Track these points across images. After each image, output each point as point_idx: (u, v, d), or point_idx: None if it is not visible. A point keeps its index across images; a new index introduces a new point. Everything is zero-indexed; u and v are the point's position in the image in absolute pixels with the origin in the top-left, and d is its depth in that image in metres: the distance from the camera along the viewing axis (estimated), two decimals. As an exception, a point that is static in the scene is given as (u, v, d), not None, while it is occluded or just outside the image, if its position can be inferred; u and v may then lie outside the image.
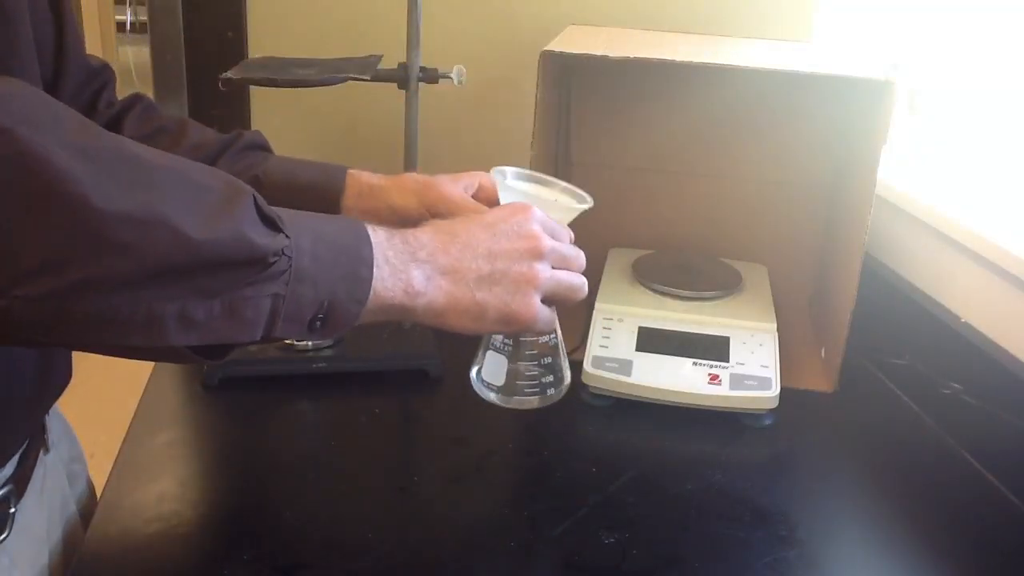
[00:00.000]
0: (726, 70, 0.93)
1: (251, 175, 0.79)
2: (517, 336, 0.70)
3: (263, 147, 0.86)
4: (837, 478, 0.90)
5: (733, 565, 0.75)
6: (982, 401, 0.93)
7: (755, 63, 0.95)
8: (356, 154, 1.31)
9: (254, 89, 1.27)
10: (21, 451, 0.73)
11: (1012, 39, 1.06)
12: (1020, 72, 1.05)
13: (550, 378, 0.71)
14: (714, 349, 0.97)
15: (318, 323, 0.54)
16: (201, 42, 1.25)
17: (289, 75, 0.95)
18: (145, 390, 0.96)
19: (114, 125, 0.79)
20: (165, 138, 0.80)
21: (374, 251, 0.56)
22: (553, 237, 0.64)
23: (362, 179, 0.82)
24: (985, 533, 0.82)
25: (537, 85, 0.95)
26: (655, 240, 1.21)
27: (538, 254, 0.62)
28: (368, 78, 0.96)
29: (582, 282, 0.66)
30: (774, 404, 0.94)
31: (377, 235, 0.57)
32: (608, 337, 0.99)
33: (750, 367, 0.95)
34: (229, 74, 0.95)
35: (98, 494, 0.84)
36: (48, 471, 0.80)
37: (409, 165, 1.01)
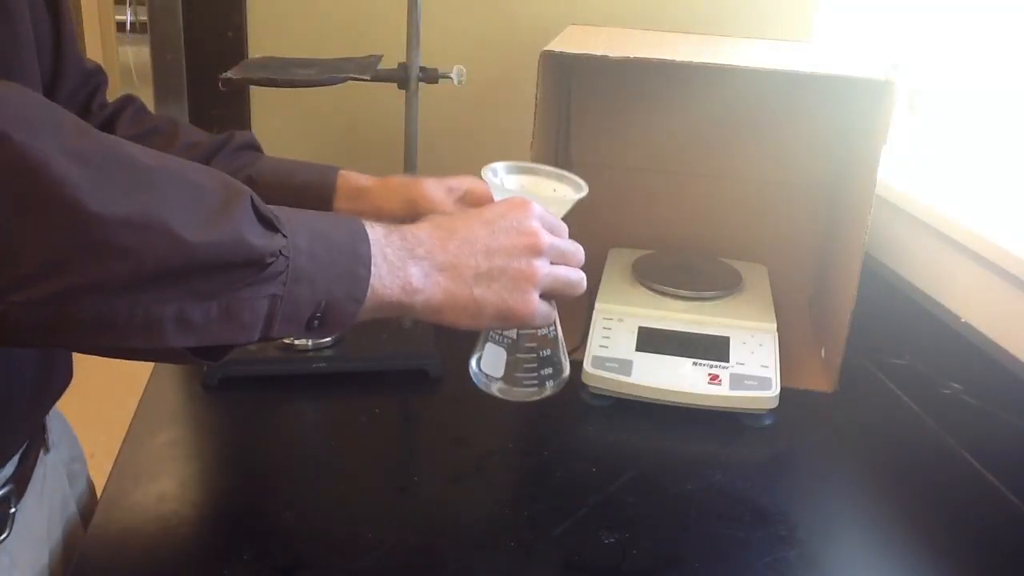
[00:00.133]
0: (726, 70, 0.93)
1: (244, 176, 0.79)
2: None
3: (255, 147, 0.86)
4: (837, 478, 0.90)
5: (733, 565, 0.75)
6: (982, 401, 0.93)
7: (755, 63, 0.95)
8: (356, 154, 1.31)
9: (254, 89, 1.27)
10: (21, 451, 0.73)
11: (1012, 39, 1.06)
12: (1020, 72, 1.05)
13: (549, 370, 0.71)
14: (714, 349, 0.97)
15: (316, 322, 0.54)
16: (201, 42, 1.25)
17: (289, 75, 0.95)
18: (145, 390, 0.97)
19: (107, 127, 0.79)
20: (158, 139, 0.80)
21: (372, 249, 0.56)
22: (552, 232, 0.64)
23: (351, 181, 0.82)
24: (985, 533, 0.82)
25: (537, 85, 0.95)
26: (655, 240, 1.21)
27: (537, 250, 0.62)
28: (368, 78, 0.96)
29: (580, 277, 0.66)
30: (774, 404, 0.94)
31: (375, 232, 0.57)
32: (608, 337, 0.99)
33: (750, 367, 0.95)
34: (229, 74, 0.95)
35: (98, 494, 0.84)
36: (48, 471, 0.80)
37: (409, 165, 1.01)
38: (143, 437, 0.88)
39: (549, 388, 0.72)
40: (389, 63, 1.00)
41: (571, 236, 0.72)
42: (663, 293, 1.05)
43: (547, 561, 0.74)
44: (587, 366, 0.96)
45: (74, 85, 0.76)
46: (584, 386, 0.97)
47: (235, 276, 0.49)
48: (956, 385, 0.96)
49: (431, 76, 0.99)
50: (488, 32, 1.25)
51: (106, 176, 0.46)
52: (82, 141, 0.46)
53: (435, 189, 0.78)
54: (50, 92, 0.71)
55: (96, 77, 0.81)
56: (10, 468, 0.72)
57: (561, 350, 0.72)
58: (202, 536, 0.76)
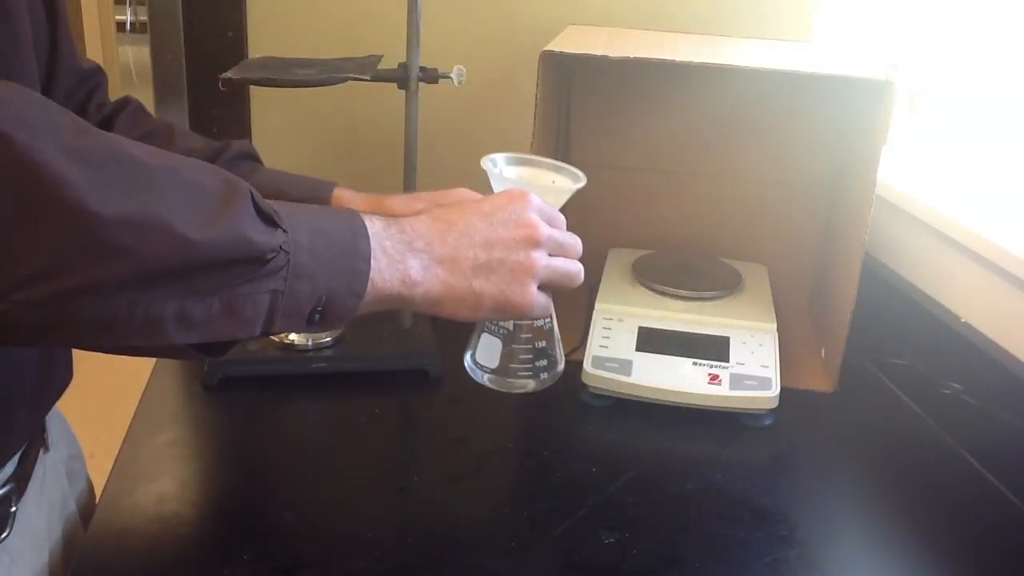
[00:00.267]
0: (726, 70, 0.93)
1: None
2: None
3: (252, 157, 0.86)
4: (837, 478, 0.90)
5: (733, 565, 0.75)
6: (982, 401, 0.93)
7: (755, 63, 0.95)
8: (356, 154, 1.31)
9: (254, 89, 1.27)
10: (21, 450, 0.73)
11: (1012, 39, 1.06)
12: (1020, 72, 1.05)
13: (544, 362, 0.71)
14: (714, 349, 0.97)
15: (317, 316, 0.55)
16: (201, 42, 1.25)
17: (289, 75, 0.95)
18: (145, 390, 0.97)
19: (104, 128, 0.79)
20: (154, 143, 0.80)
21: (371, 242, 0.56)
22: (550, 224, 0.64)
23: (344, 201, 0.81)
24: (985, 533, 0.82)
25: (537, 85, 0.95)
26: (655, 240, 1.21)
27: (535, 242, 0.62)
28: (368, 78, 0.96)
29: (578, 269, 0.66)
30: (774, 404, 0.94)
31: (374, 226, 0.58)
32: (608, 337, 0.99)
33: (750, 367, 0.95)
34: (229, 74, 0.95)
35: (98, 494, 0.84)
36: (48, 470, 0.80)
37: (409, 165, 1.01)
38: (143, 437, 0.88)
39: (543, 380, 0.72)
40: (389, 63, 1.00)
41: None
42: (663, 293, 1.05)
43: (547, 561, 0.74)
44: (587, 366, 0.96)
45: (70, 85, 0.76)
46: (584, 386, 0.97)
47: (236, 272, 0.50)
48: (956, 385, 0.96)
49: (431, 76, 0.99)
50: (488, 32, 1.25)
51: (106, 176, 0.46)
52: (82, 140, 0.46)
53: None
54: (46, 92, 0.71)
55: (95, 77, 0.81)
56: (10, 467, 0.72)
57: (556, 342, 0.72)
58: (202, 536, 0.76)
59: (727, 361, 0.96)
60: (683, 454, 0.92)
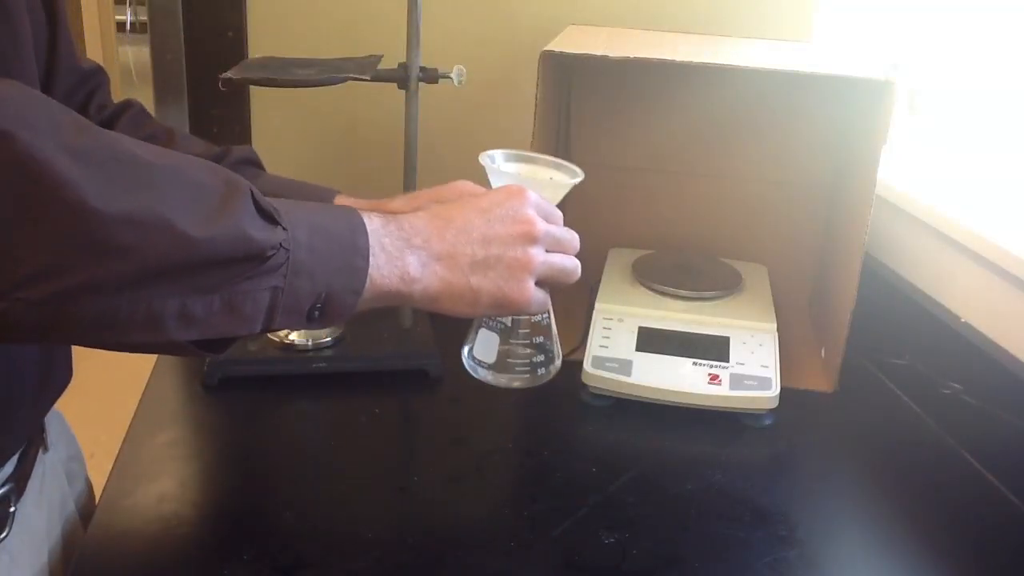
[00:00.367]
0: (726, 70, 0.93)
1: None
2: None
3: (254, 163, 0.86)
4: (837, 478, 0.90)
5: (733, 565, 0.75)
6: (982, 401, 0.93)
7: (755, 63, 0.95)
8: (356, 154, 1.31)
9: (254, 89, 1.27)
10: (21, 450, 0.73)
11: (1012, 39, 1.06)
12: (1020, 72, 1.05)
13: (541, 358, 0.71)
14: (714, 349, 0.97)
15: (316, 313, 0.55)
16: (201, 42, 1.25)
17: (289, 75, 0.95)
18: (145, 390, 0.97)
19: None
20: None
21: (370, 239, 0.57)
22: (547, 220, 0.64)
23: None
24: (985, 533, 0.82)
25: (537, 85, 0.95)
26: (655, 240, 1.21)
27: (532, 238, 0.62)
28: (368, 78, 0.95)
29: (575, 265, 0.66)
30: (774, 404, 0.94)
31: (373, 223, 0.58)
32: (608, 337, 0.99)
33: (750, 367, 0.95)
34: (229, 74, 0.95)
35: (98, 494, 0.84)
36: (47, 470, 0.80)
37: (409, 165, 1.01)
38: (143, 437, 0.88)
39: (540, 376, 0.72)
40: (389, 63, 1.00)
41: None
42: (663, 293, 1.05)
43: (547, 561, 0.74)
44: (587, 366, 0.96)
45: (70, 85, 0.76)
46: (584, 386, 0.97)
47: (236, 270, 0.50)
48: (956, 385, 0.96)
49: (431, 76, 0.99)
50: (488, 32, 1.25)
51: (107, 174, 0.46)
52: (83, 139, 0.46)
53: None
54: (45, 91, 0.71)
55: (95, 78, 0.81)
56: (9, 467, 0.72)
57: (554, 338, 0.72)
58: (202, 536, 0.76)
59: (727, 361, 0.96)
60: (683, 454, 0.92)
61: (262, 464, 0.88)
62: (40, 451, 0.79)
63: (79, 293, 0.45)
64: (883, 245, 1.13)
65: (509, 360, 0.70)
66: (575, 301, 1.07)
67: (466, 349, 0.72)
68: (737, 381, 0.94)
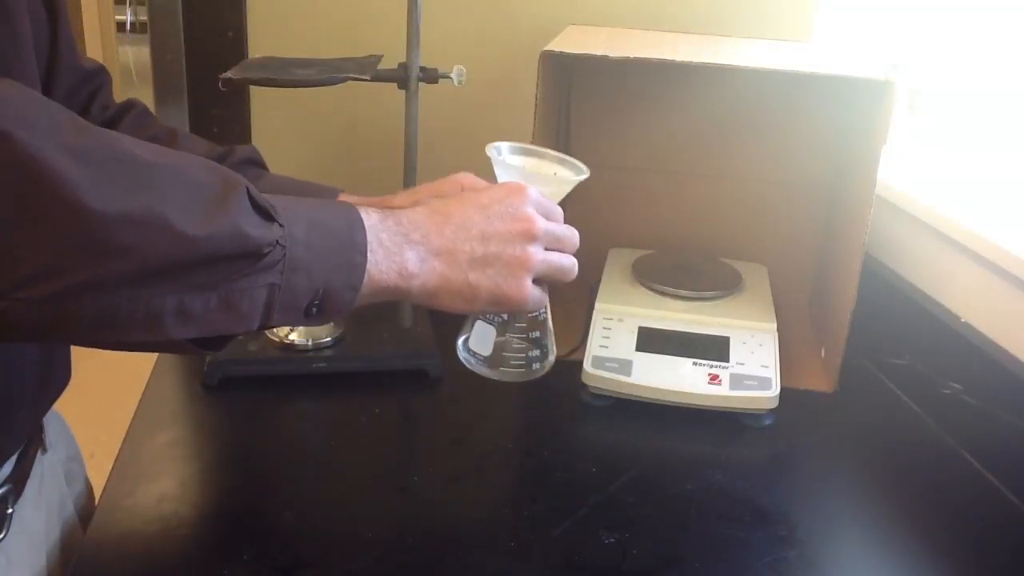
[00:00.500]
0: (726, 70, 0.93)
1: None
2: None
3: (257, 163, 0.86)
4: (837, 478, 0.90)
5: (733, 565, 0.75)
6: (982, 401, 0.93)
7: (755, 63, 0.95)
8: (356, 154, 1.31)
9: (254, 89, 1.27)
10: (19, 451, 0.73)
11: (1012, 39, 1.06)
12: (1020, 72, 1.05)
13: (536, 352, 0.71)
14: (714, 349, 0.97)
15: (314, 309, 0.55)
16: (201, 42, 1.25)
17: (289, 75, 0.95)
18: (145, 390, 0.96)
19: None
20: None
21: (368, 235, 0.57)
22: (547, 217, 0.64)
23: None
24: (985, 533, 0.82)
25: (537, 85, 0.95)
26: (655, 240, 1.21)
27: (532, 236, 0.62)
28: (368, 78, 0.95)
29: (573, 263, 0.66)
30: (774, 404, 0.94)
31: (370, 218, 0.58)
32: (608, 337, 0.99)
33: (750, 367, 0.95)
34: (229, 74, 0.95)
35: (98, 494, 0.84)
36: (46, 471, 0.80)
37: (409, 165, 1.01)
38: (143, 437, 0.88)
39: (535, 371, 0.72)
40: (389, 63, 1.00)
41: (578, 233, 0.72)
42: (663, 293, 1.05)
43: (547, 561, 0.74)
44: (587, 366, 0.96)
45: (71, 84, 0.76)
46: (584, 386, 0.97)
47: (234, 267, 0.50)
48: (956, 385, 0.96)
49: (431, 76, 0.99)
50: (488, 32, 1.25)
51: (106, 174, 0.46)
52: (82, 139, 0.46)
53: None
54: (46, 91, 0.71)
55: (98, 78, 0.81)
56: (8, 468, 0.72)
57: (549, 334, 0.72)
58: (202, 536, 0.76)
59: (727, 361, 0.96)
60: (683, 454, 0.92)
61: (262, 464, 0.88)
62: (39, 452, 0.78)
63: (79, 292, 0.46)
64: (883, 245, 1.13)
65: (504, 354, 0.71)
66: (575, 301, 1.07)
67: (461, 340, 0.72)
68: (737, 381, 0.94)
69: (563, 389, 0.98)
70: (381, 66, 0.99)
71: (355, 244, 0.56)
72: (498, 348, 0.70)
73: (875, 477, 0.90)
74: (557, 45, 0.97)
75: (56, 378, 0.76)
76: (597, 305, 1.02)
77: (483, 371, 0.71)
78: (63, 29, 0.72)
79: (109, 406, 1.28)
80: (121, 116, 0.81)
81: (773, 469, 0.90)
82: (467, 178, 0.73)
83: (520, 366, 0.71)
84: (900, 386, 1.05)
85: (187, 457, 0.87)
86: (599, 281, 1.07)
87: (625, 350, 0.97)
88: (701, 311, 1.02)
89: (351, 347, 1.02)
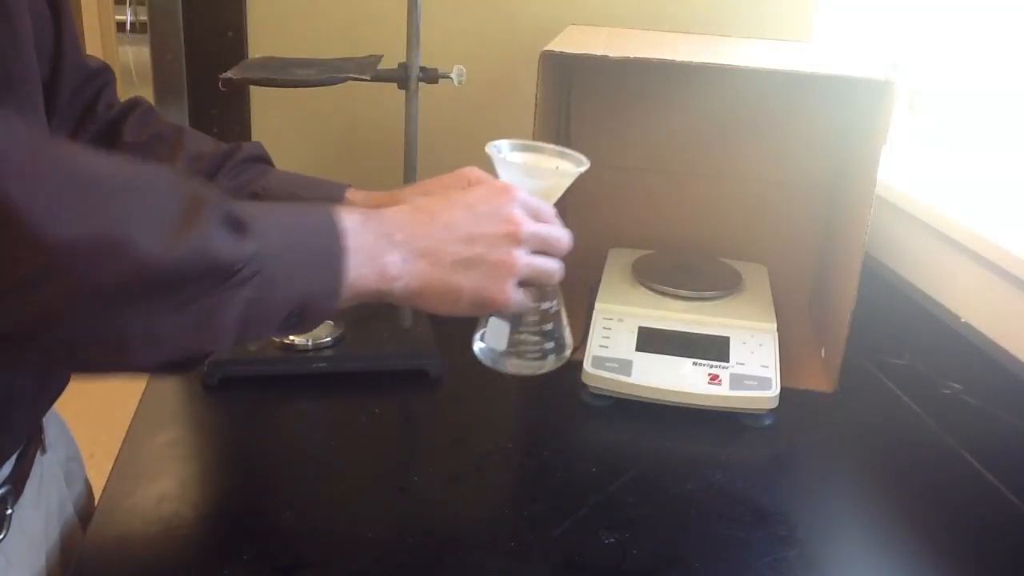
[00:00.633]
0: (726, 70, 0.93)
1: (250, 191, 0.78)
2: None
3: (263, 159, 0.85)
4: (837, 478, 0.90)
5: (733, 565, 0.75)
6: (982, 401, 0.93)
7: (755, 63, 0.95)
8: (356, 154, 1.31)
9: (254, 89, 1.27)
10: (18, 452, 0.73)
11: (1012, 39, 1.06)
12: (1020, 72, 1.05)
13: (551, 344, 0.71)
14: (714, 349, 0.97)
15: (293, 320, 0.54)
16: (201, 42, 1.25)
17: (289, 75, 0.95)
18: (145, 390, 0.96)
19: (112, 128, 0.79)
20: (163, 146, 0.79)
21: (348, 239, 0.56)
22: (536, 217, 0.64)
23: (356, 202, 0.79)
24: (985, 533, 0.82)
25: (537, 85, 0.95)
26: (655, 240, 1.21)
27: (517, 239, 0.62)
28: (368, 78, 0.95)
29: (558, 267, 0.66)
30: (774, 404, 0.94)
31: (352, 219, 0.57)
32: (608, 337, 0.99)
33: (750, 367, 0.95)
34: (229, 74, 0.95)
35: (98, 494, 0.84)
36: (45, 471, 0.80)
37: (409, 165, 1.01)
38: (143, 437, 0.88)
39: (552, 362, 0.72)
40: (389, 63, 1.00)
41: (570, 233, 0.72)
42: (663, 293, 1.05)
43: (547, 561, 0.74)
44: (587, 366, 0.96)
45: (76, 84, 0.76)
46: (584, 386, 0.97)
47: (204, 286, 0.48)
48: (956, 385, 0.96)
49: (431, 76, 0.99)
50: (488, 32, 1.25)
51: (63, 198, 0.44)
52: (37, 163, 0.44)
53: None
54: (50, 90, 0.71)
55: (102, 76, 0.81)
56: (7, 469, 0.72)
57: (564, 325, 0.72)
58: (202, 536, 0.76)
59: (727, 361, 0.96)
60: (683, 454, 0.92)
61: (262, 464, 0.88)
62: (38, 452, 0.78)
63: (41, 323, 0.44)
64: (883, 245, 1.13)
65: (521, 347, 0.71)
66: (575, 301, 1.07)
67: (477, 336, 0.72)
68: (737, 381, 0.94)
69: (563, 389, 0.98)
70: (381, 66, 0.99)
71: (334, 250, 0.55)
72: (513, 342, 0.70)
73: (875, 477, 0.90)
74: (557, 45, 0.97)
75: (56, 378, 0.76)
76: (597, 305, 1.02)
77: (500, 366, 0.71)
78: (67, 28, 0.72)
79: (109, 406, 1.28)
80: (126, 114, 0.81)
81: (773, 469, 0.90)
82: (473, 172, 0.73)
83: (536, 359, 0.71)
84: (900, 386, 1.05)
85: (187, 457, 0.87)
86: (599, 281, 1.07)
87: (625, 350, 0.97)
88: (701, 311, 1.02)
89: (351, 347, 1.02)
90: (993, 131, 1.09)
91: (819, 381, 1.03)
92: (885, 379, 1.07)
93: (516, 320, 0.70)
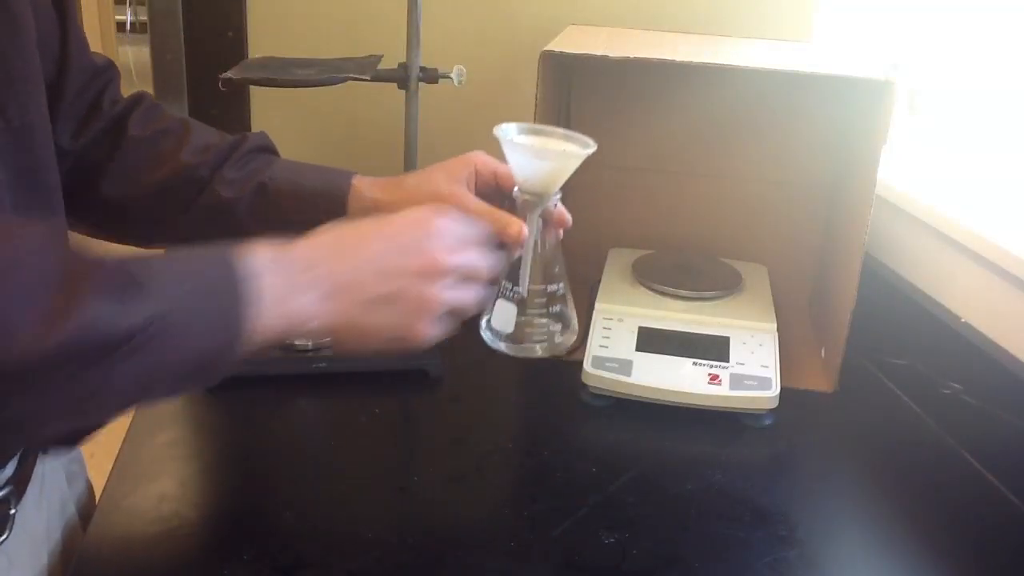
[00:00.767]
0: (726, 70, 0.93)
1: (257, 181, 0.78)
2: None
3: (269, 149, 0.85)
4: (837, 478, 0.90)
5: (733, 565, 0.75)
6: (982, 401, 0.93)
7: (755, 63, 0.95)
8: (356, 154, 1.31)
9: (254, 89, 1.27)
10: (20, 452, 0.73)
11: (1012, 39, 1.06)
12: (1020, 72, 1.05)
13: (558, 326, 0.71)
14: (714, 349, 0.97)
15: (192, 379, 0.52)
16: (201, 42, 1.25)
17: (289, 75, 0.95)
18: (145, 390, 0.96)
19: (118, 125, 0.79)
20: (169, 139, 0.79)
21: (254, 283, 0.53)
22: (462, 242, 0.61)
23: (364, 195, 0.79)
24: (985, 533, 0.82)
25: (537, 85, 0.95)
26: (655, 240, 1.21)
27: (438, 273, 0.59)
28: (368, 78, 0.96)
29: (479, 300, 0.64)
30: (774, 404, 0.94)
31: (259, 260, 0.54)
32: (608, 337, 0.99)
33: (750, 367, 0.95)
34: (229, 74, 0.95)
35: (98, 494, 0.84)
36: (47, 472, 0.80)
37: (409, 165, 1.01)
38: (143, 437, 0.88)
39: (559, 344, 0.72)
40: (389, 63, 1.00)
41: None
42: (663, 293, 1.05)
43: (547, 561, 0.74)
44: (587, 366, 0.96)
45: (82, 82, 0.76)
46: (584, 386, 0.97)
47: (90, 360, 0.46)
48: (956, 385, 0.96)
49: (431, 76, 0.99)
50: (488, 32, 1.25)
51: None
52: None
53: (472, 201, 0.73)
54: (56, 88, 0.71)
55: (107, 73, 0.81)
56: (9, 469, 0.72)
57: (570, 306, 0.72)
58: (202, 536, 0.76)
59: (727, 361, 0.96)
60: (683, 454, 0.92)
61: (262, 464, 0.88)
62: (40, 453, 0.78)
63: None
64: (883, 245, 1.13)
65: (527, 330, 0.70)
66: (575, 301, 1.07)
67: (484, 321, 0.72)
68: (737, 381, 0.94)
69: (563, 389, 0.98)
70: (381, 66, 0.99)
71: (235, 301, 0.52)
72: (520, 325, 0.70)
73: (875, 477, 0.90)
74: (557, 45, 0.97)
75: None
76: (597, 305, 1.02)
77: (508, 350, 0.71)
78: (73, 30, 0.72)
79: (109, 406, 1.28)
80: (130, 110, 0.81)
81: (773, 469, 0.90)
82: (479, 157, 0.72)
83: (543, 341, 0.71)
84: (900, 386, 1.05)
85: (187, 457, 0.87)
86: (599, 281, 1.07)
87: (625, 350, 0.97)
88: (701, 311, 1.02)
89: (351, 347, 1.02)
90: (993, 131, 1.09)
91: (819, 381, 1.03)
92: (885, 379, 1.07)
93: (523, 303, 0.70)
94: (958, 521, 0.83)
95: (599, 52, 0.95)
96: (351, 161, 1.10)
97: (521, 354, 0.71)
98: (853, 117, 1.08)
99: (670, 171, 1.23)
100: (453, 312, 0.62)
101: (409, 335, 0.60)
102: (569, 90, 1.19)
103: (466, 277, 0.62)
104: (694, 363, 0.96)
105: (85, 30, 0.76)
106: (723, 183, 1.22)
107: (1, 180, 0.61)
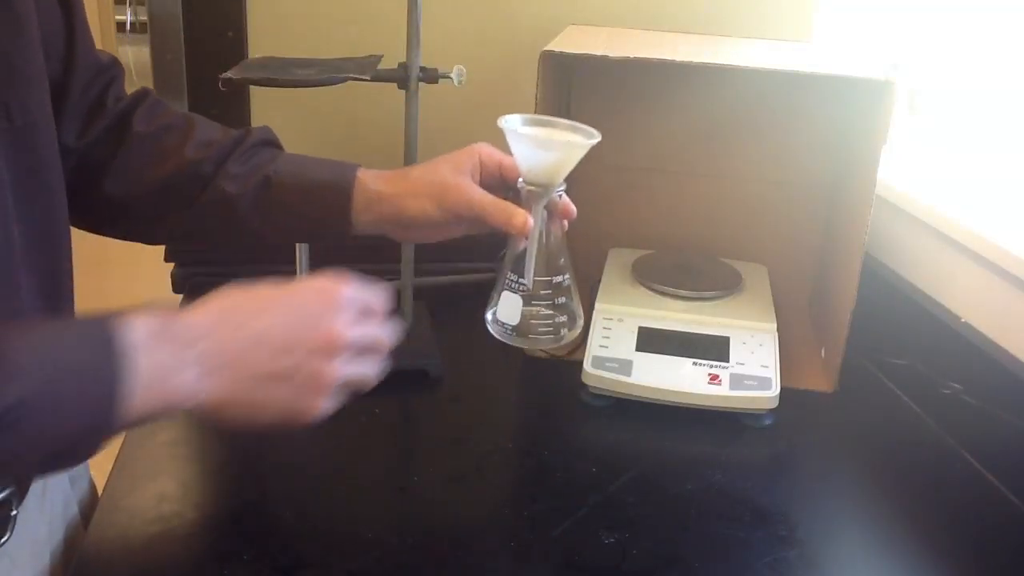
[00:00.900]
0: (726, 70, 0.93)
1: (262, 175, 0.78)
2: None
3: (273, 144, 0.85)
4: (837, 478, 0.90)
5: (733, 565, 0.75)
6: (982, 401, 0.93)
7: (755, 63, 0.95)
8: (356, 154, 1.29)
9: (254, 89, 1.27)
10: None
11: (1012, 39, 1.06)
12: (1020, 72, 1.05)
13: (564, 319, 0.72)
14: (714, 349, 0.97)
15: (61, 458, 0.51)
16: (201, 42, 1.25)
17: (289, 75, 0.95)
18: (145, 390, 0.96)
19: (122, 121, 0.78)
20: (173, 135, 0.79)
21: (129, 362, 0.51)
22: (362, 314, 0.59)
23: (368, 187, 0.78)
24: (985, 533, 0.82)
25: (537, 85, 0.95)
26: (655, 240, 1.21)
27: (335, 349, 0.57)
28: (368, 78, 0.95)
29: (372, 376, 0.61)
30: (774, 404, 0.94)
31: (146, 331, 0.52)
32: (608, 337, 0.99)
33: (750, 367, 0.95)
34: (229, 74, 0.95)
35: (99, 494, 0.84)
36: (48, 472, 0.80)
37: (409, 165, 1.01)
38: (143, 437, 0.88)
39: (564, 336, 0.72)
40: (389, 63, 1.00)
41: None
42: (663, 293, 1.05)
43: (547, 561, 0.74)
44: (587, 366, 0.96)
45: (87, 79, 0.76)
46: (584, 386, 0.97)
47: None
48: (956, 385, 0.96)
49: (431, 76, 0.99)
50: (488, 32, 1.25)
51: None
52: None
53: (476, 193, 0.72)
54: (62, 88, 0.71)
55: (111, 70, 0.81)
56: (10, 470, 0.72)
57: (576, 299, 0.72)
58: (202, 536, 0.76)
59: (727, 361, 0.96)
60: (683, 454, 0.92)
61: (262, 464, 0.88)
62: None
63: None
64: (883, 245, 1.13)
65: (532, 322, 0.71)
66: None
67: (489, 313, 0.72)
68: (737, 381, 0.94)
69: (563, 389, 0.98)
70: (381, 66, 0.99)
71: (109, 380, 0.49)
72: (526, 317, 0.70)
73: (875, 477, 0.90)
74: (557, 45, 0.97)
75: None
76: (597, 305, 1.02)
77: (514, 341, 0.71)
78: (79, 29, 0.72)
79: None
80: (135, 106, 0.81)
81: (773, 469, 0.90)
82: (483, 148, 0.72)
83: (548, 333, 0.71)
84: (900, 386, 1.05)
85: (187, 457, 0.87)
86: (599, 281, 1.07)
87: (625, 350, 0.97)
88: (701, 311, 1.02)
89: (351, 347, 1.02)
90: (993, 131, 1.09)
91: (819, 381, 1.03)
92: (885, 379, 1.07)
93: (528, 295, 0.70)
94: (958, 521, 0.83)
95: (599, 52, 0.95)
96: (351, 161, 1.09)
97: (527, 346, 0.71)
98: (853, 117, 1.08)
99: (670, 171, 1.23)
100: (350, 385, 0.60)
101: (302, 411, 0.57)
102: (569, 90, 1.19)
103: (365, 350, 0.60)
104: (694, 363, 0.96)
105: (86, 30, 0.75)
106: (723, 183, 1.22)
107: (3, 180, 0.61)
